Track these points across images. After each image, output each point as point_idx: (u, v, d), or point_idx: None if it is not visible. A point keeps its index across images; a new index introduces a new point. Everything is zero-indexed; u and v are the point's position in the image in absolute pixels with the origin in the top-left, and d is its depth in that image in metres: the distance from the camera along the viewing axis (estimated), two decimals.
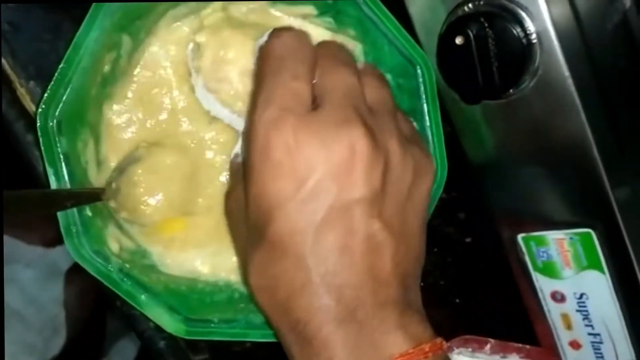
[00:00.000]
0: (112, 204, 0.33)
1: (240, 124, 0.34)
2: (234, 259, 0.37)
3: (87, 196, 0.32)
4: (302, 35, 0.31)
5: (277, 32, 0.31)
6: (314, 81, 0.29)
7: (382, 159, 0.27)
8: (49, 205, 0.30)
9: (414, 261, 0.30)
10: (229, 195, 0.33)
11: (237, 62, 0.33)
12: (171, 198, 0.34)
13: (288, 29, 0.32)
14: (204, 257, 0.37)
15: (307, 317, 0.26)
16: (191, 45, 0.34)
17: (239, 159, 0.33)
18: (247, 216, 0.28)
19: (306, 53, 0.30)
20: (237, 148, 0.34)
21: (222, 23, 0.34)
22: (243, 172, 0.29)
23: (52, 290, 1.28)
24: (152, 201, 0.34)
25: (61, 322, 1.27)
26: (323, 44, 0.32)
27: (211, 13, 0.35)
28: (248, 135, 0.28)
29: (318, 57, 0.30)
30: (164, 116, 0.35)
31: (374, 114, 0.29)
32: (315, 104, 0.28)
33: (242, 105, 0.34)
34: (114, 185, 0.33)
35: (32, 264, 1.29)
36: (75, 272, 1.25)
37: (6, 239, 1.09)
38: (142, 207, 0.33)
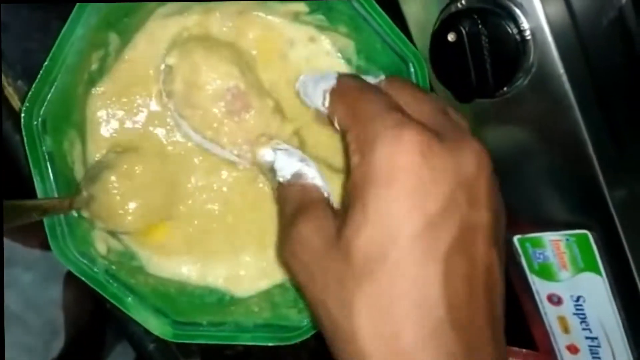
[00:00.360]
0: (84, 213, 0.32)
1: (213, 149, 0.33)
2: (221, 267, 0.36)
3: (54, 206, 0.30)
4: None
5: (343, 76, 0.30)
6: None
7: (497, 177, 0.25)
8: (12, 217, 0.28)
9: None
10: (289, 232, 0.27)
11: (209, 86, 0.32)
12: (149, 205, 0.33)
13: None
14: (188, 264, 0.36)
15: None
16: (163, 67, 0.33)
17: (301, 181, 0.29)
18: (354, 244, 0.23)
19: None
20: (288, 170, 0.30)
21: (196, 43, 0.33)
22: (348, 197, 0.25)
23: (51, 293, 1.28)
24: (129, 208, 0.32)
25: (60, 324, 1.27)
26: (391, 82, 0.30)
27: (191, 27, 0.34)
28: (364, 166, 0.24)
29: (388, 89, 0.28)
30: (142, 118, 0.34)
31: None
32: None
33: (211, 134, 0.33)
34: (84, 193, 0.32)
35: (31, 267, 1.29)
36: (74, 276, 1.25)
37: (5, 242, 1.09)
38: (120, 213, 0.32)
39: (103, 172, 0.32)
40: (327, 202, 0.28)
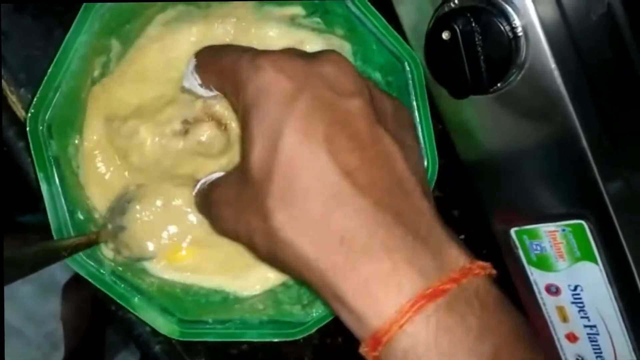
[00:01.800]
0: (109, 245, 0.34)
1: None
2: (231, 274, 0.37)
3: (83, 244, 0.32)
4: None
5: None
6: None
7: (364, 82, 0.28)
8: (46, 260, 0.30)
9: (424, 171, 0.30)
10: (210, 203, 0.32)
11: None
12: (171, 231, 0.35)
13: None
14: (197, 275, 0.37)
15: (352, 227, 0.25)
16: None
17: (206, 184, 0.33)
18: (250, 161, 0.27)
19: None
20: (196, 187, 0.34)
21: None
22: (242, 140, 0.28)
23: (50, 305, 1.28)
24: (160, 236, 0.35)
25: (60, 336, 1.27)
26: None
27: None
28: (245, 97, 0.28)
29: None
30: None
31: None
32: None
33: None
34: (109, 226, 0.34)
35: (30, 279, 1.29)
36: (72, 286, 1.25)
37: None
38: (150, 242, 0.35)
39: (131, 204, 0.34)
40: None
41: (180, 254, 0.36)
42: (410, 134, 0.32)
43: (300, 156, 0.26)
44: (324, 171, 0.25)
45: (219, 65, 0.30)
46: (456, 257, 0.26)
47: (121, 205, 0.34)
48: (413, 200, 0.27)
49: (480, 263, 0.27)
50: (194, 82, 0.32)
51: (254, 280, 0.36)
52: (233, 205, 0.29)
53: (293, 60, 0.27)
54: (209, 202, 0.32)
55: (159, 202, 0.35)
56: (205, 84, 0.32)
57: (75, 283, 1.24)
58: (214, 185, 0.32)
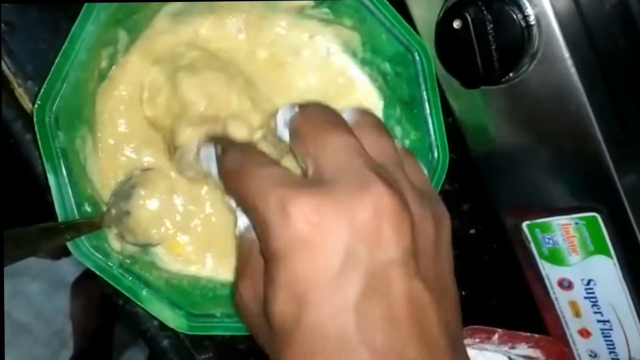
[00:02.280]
0: (113, 230, 0.33)
1: None
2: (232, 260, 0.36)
3: (86, 225, 0.31)
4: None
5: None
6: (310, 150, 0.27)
7: (407, 213, 0.25)
8: (48, 240, 0.29)
9: (457, 313, 0.28)
10: (235, 287, 0.29)
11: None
12: (176, 217, 0.35)
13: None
14: (203, 265, 0.37)
15: None
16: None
17: (252, 234, 0.29)
18: (271, 311, 0.25)
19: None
20: (241, 223, 0.30)
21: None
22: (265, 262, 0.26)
23: (59, 303, 1.28)
24: (165, 221, 0.35)
25: (68, 334, 1.27)
26: (307, 110, 0.29)
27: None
28: (262, 218, 0.25)
29: (305, 126, 0.28)
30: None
31: (383, 168, 0.27)
32: (319, 174, 0.27)
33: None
34: (113, 211, 0.33)
35: (39, 276, 1.29)
36: (81, 284, 1.25)
37: None
38: (156, 227, 0.34)
39: (135, 189, 0.34)
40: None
41: (180, 243, 0.36)
42: (448, 259, 0.29)
43: (326, 326, 0.24)
44: (352, 349, 0.24)
45: (243, 188, 0.27)
46: None
47: (125, 190, 0.34)
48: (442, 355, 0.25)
49: None
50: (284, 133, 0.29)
51: None
52: (256, 315, 0.27)
53: (325, 207, 0.24)
54: (236, 285, 0.29)
55: (163, 189, 0.35)
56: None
57: (84, 280, 1.25)
58: (248, 269, 0.28)
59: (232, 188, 0.28)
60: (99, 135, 0.34)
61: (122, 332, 1.25)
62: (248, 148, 0.31)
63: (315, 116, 0.29)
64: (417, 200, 0.27)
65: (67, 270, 1.28)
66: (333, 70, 0.38)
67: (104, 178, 0.34)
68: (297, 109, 0.29)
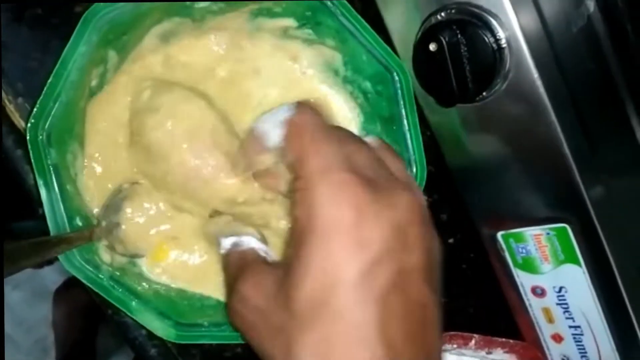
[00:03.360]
0: (103, 242, 0.35)
1: None
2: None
3: (77, 238, 0.33)
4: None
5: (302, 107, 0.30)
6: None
7: (430, 224, 0.27)
8: (41, 253, 0.30)
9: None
10: (231, 294, 0.29)
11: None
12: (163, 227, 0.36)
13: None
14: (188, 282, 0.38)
15: None
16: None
17: (239, 248, 0.32)
18: (296, 295, 0.25)
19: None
20: (227, 243, 0.33)
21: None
22: (290, 248, 0.27)
23: (41, 311, 1.27)
24: (153, 232, 0.36)
25: (50, 342, 1.26)
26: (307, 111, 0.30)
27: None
28: (306, 198, 0.26)
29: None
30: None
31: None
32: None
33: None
34: (103, 223, 0.35)
35: (20, 285, 1.28)
36: (63, 292, 1.25)
37: None
38: (147, 236, 0.36)
39: (125, 202, 0.35)
40: (263, 260, 0.31)
41: (163, 253, 0.37)
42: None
43: (350, 313, 0.24)
44: (370, 341, 0.24)
45: (312, 152, 0.27)
46: None
47: (115, 203, 0.35)
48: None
49: None
50: (275, 135, 0.29)
51: None
52: (261, 312, 0.27)
53: (370, 198, 0.26)
54: (235, 290, 0.29)
55: (149, 203, 0.36)
56: (287, 143, 0.29)
57: (66, 289, 1.24)
58: (247, 272, 0.29)
59: (300, 143, 0.28)
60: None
61: (106, 339, 1.25)
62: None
63: (317, 118, 0.29)
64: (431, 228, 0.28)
65: (50, 278, 1.28)
66: (307, 87, 0.39)
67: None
68: (295, 109, 0.29)
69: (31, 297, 1.31)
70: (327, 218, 0.25)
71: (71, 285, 1.21)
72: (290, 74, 0.38)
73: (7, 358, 1.27)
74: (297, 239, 0.26)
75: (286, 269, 0.26)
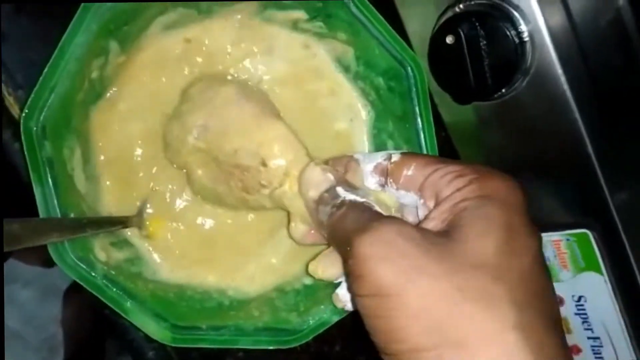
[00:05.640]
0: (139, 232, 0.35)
1: None
2: (228, 265, 0.37)
3: (107, 223, 0.34)
4: None
5: None
6: None
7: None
8: (69, 232, 0.31)
9: None
10: (363, 238, 0.24)
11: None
12: None
13: None
14: (196, 266, 0.37)
15: None
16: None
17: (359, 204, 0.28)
18: (460, 254, 0.24)
19: None
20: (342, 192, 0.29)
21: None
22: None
23: (50, 310, 1.28)
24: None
25: (59, 341, 1.27)
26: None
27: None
28: None
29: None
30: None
31: None
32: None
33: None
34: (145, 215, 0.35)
35: (30, 283, 1.29)
36: (73, 292, 1.25)
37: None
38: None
39: None
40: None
41: (157, 226, 0.36)
42: None
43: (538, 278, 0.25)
44: (493, 298, 0.23)
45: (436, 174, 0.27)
46: None
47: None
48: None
49: None
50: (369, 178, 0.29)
51: (241, 279, 0.37)
52: (405, 254, 0.24)
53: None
54: (357, 229, 0.25)
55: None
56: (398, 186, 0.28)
57: (77, 288, 1.24)
58: (375, 216, 0.26)
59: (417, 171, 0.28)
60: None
61: (115, 339, 1.25)
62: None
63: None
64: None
65: (59, 277, 1.28)
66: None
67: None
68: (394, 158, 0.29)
69: (41, 295, 1.31)
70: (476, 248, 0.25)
71: (81, 285, 1.21)
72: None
73: (15, 355, 1.28)
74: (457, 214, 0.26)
75: (458, 226, 0.25)
